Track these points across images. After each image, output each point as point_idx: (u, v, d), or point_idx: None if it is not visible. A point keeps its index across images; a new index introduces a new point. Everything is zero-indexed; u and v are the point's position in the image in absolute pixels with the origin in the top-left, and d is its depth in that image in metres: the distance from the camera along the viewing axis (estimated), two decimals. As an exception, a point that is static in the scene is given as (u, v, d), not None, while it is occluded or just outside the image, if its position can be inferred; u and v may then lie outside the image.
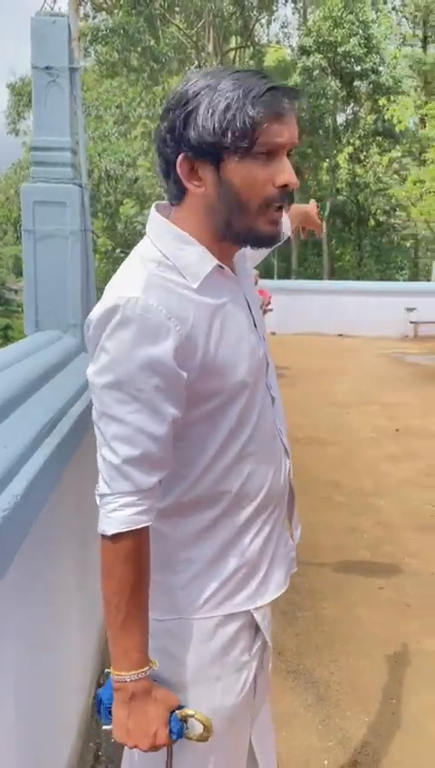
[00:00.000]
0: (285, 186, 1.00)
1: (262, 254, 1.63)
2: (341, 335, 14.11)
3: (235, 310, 1.10)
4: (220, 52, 21.59)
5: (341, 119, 26.58)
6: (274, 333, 11.55)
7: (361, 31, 21.69)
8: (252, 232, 1.04)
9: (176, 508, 1.10)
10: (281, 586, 1.22)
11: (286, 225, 1.56)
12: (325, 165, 24.53)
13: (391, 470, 5.15)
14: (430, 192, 17.72)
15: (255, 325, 1.15)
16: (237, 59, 24.33)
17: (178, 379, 0.99)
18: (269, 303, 8.98)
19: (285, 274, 27.61)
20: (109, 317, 0.96)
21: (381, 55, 22.49)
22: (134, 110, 18.06)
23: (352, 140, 22.30)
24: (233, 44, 23.44)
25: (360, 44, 21.71)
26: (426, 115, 19.26)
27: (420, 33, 26.26)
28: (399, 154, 20.93)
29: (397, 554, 3.62)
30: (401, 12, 26.05)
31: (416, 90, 25.53)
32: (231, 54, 23.71)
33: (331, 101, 24.20)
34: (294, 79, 24.31)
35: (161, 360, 0.97)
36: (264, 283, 14.50)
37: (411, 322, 14.26)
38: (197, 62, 21.97)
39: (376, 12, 24.44)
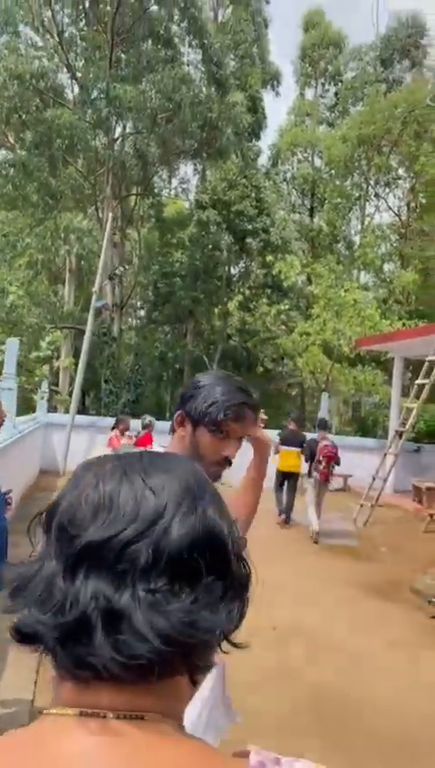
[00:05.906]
0: (226, 457, 1.69)
1: None
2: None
3: None
4: (119, 197, 22.12)
5: (234, 270, 27.83)
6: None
7: (253, 194, 23.21)
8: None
9: None
10: None
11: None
12: (217, 311, 25.06)
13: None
14: (314, 344, 18.07)
15: None
16: (137, 206, 25.16)
17: None
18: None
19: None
20: None
21: (272, 218, 24.02)
22: (23, 240, 17.63)
23: (242, 290, 23.02)
24: (133, 191, 24.24)
25: (252, 206, 23.12)
26: (311, 273, 20.22)
27: (307, 202, 28.64)
28: (286, 307, 21.65)
29: None
30: (292, 183, 28.51)
31: (303, 252, 27.34)
32: (130, 200, 24.45)
33: (224, 253, 25.28)
34: (190, 230, 25.38)
35: None
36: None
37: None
38: (95, 205, 22.37)
39: (268, 180, 26.55)
